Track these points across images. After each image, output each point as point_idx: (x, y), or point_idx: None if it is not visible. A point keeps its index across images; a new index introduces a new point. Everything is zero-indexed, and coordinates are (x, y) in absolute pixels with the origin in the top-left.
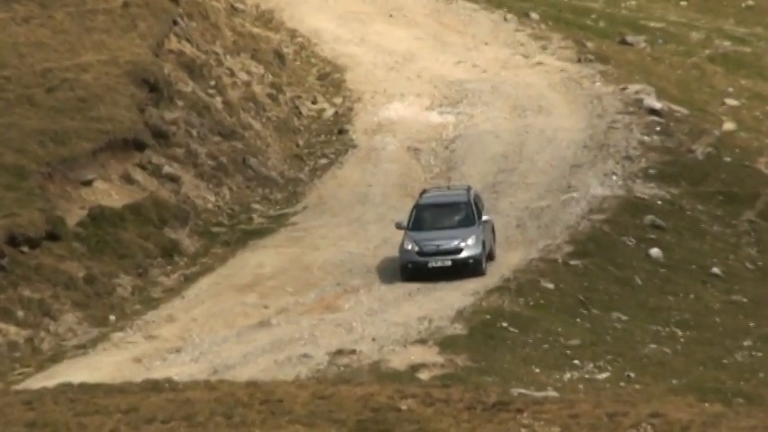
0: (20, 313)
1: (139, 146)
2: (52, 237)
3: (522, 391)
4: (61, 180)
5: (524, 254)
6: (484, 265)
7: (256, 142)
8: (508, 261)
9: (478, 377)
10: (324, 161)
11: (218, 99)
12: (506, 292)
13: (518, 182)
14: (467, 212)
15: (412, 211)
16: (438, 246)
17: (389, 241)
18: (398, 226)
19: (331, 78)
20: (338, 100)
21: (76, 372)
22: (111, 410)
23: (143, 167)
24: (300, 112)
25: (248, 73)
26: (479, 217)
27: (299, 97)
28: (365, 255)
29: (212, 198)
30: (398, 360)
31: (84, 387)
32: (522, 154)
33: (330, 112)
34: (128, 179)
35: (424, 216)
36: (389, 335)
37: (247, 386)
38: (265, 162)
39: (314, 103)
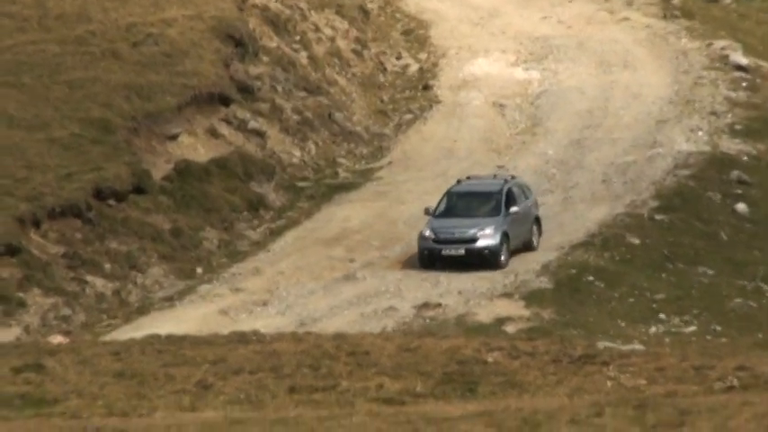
0: (107, 266)
1: (225, 100)
2: (138, 190)
3: (608, 344)
4: (147, 134)
5: (610, 209)
6: (503, 258)
7: (341, 97)
8: (594, 216)
9: (564, 330)
10: (409, 116)
11: (303, 54)
12: (592, 247)
13: (603, 137)
14: (494, 203)
15: (441, 198)
16: (453, 234)
17: None
18: (426, 211)
19: (415, 34)
20: (423, 56)
21: (163, 323)
22: (199, 361)
23: (228, 122)
24: (385, 68)
25: (333, 28)
26: (507, 208)
27: (384, 53)
28: None
29: (297, 152)
30: (484, 313)
31: (172, 338)
32: (607, 110)
33: (415, 67)
34: (213, 133)
35: (451, 204)
36: (475, 288)
37: (334, 338)
38: (350, 117)
39: (398, 58)
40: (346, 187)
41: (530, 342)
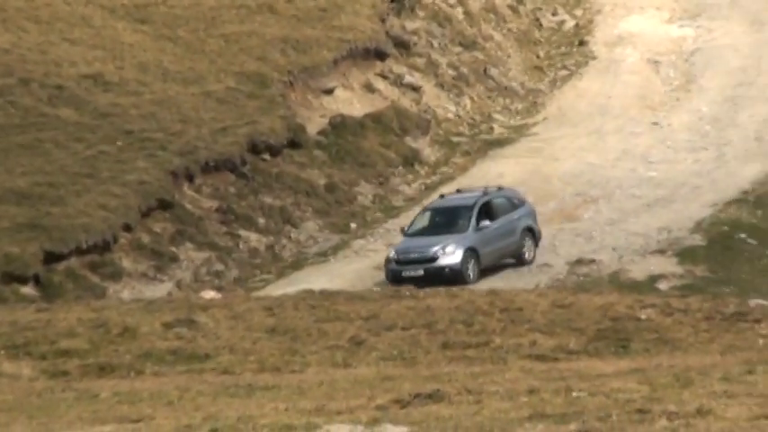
0: (261, 220)
1: (380, 55)
2: (293, 144)
3: (760, 301)
4: (302, 88)
5: (762, 166)
6: (469, 275)
7: (497, 53)
8: (747, 173)
9: (717, 288)
10: (564, 72)
11: (459, 9)
12: (745, 204)
13: (757, 95)
14: (464, 218)
15: (415, 216)
16: (412, 254)
17: (629, 153)
18: (402, 230)
19: None
20: (578, 12)
21: (317, 279)
22: (352, 317)
23: (384, 77)
24: (541, 24)
25: None
26: (478, 223)
27: (540, 9)
28: (604, 166)
29: (453, 108)
30: (638, 270)
31: (325, 294)
32: (760, 68)
33: (570, 24)
34: (369, 88)
35: (423, 221)
36: (629, 245)
37: (487, 294)
38: (506, 73)
39: (554, 14)
40: (501, 143)
41: (682, 299)
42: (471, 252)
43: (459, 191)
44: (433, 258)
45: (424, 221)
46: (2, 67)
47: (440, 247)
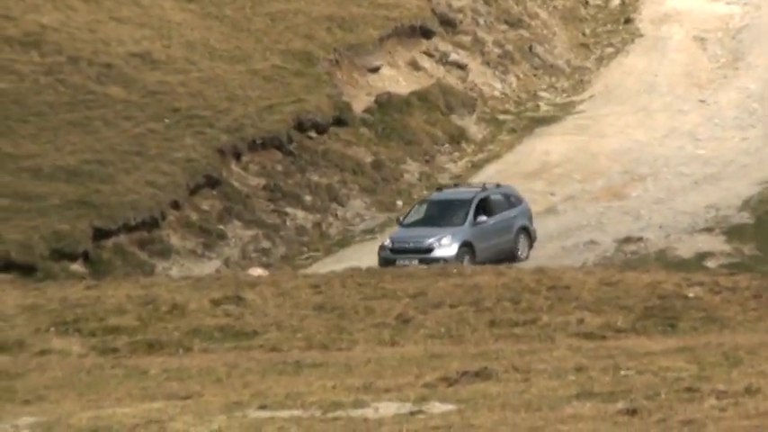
0: (307, 198)
1: (426, 33)
2: (339, 122)
3: None
4: (348, 66)
5: None
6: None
7: (543, 30)
8: None
9: (765, 266)
10: (610, 50)
11: None
12: None
13: None
14: (462, 212)
15: (412, 206)
16: (408, 244)
17: (676, 130)
18: (398, 220)
19: None
20: None
21: (364, 256)
22: (399, 295)
23: (430, 54)
24: (587, 2)
25: None
26: (475, 218)
27: None
28: (652, 143)
29: (499, 85)
30: (685, 248)
31: (372, 271)
32: None
33: (617, 1)
34: (414, 66)
35: (420, 213)
36: (676, 223)
37: (534, 272)
38: (552, 50)
39: None
40: (547, 120)
41: (730, 277)
42: (467, 246)
43: (456, 185)
44: (429, 249)
45: (420, 213)
46: (51, 45)
47: (436, 238)
